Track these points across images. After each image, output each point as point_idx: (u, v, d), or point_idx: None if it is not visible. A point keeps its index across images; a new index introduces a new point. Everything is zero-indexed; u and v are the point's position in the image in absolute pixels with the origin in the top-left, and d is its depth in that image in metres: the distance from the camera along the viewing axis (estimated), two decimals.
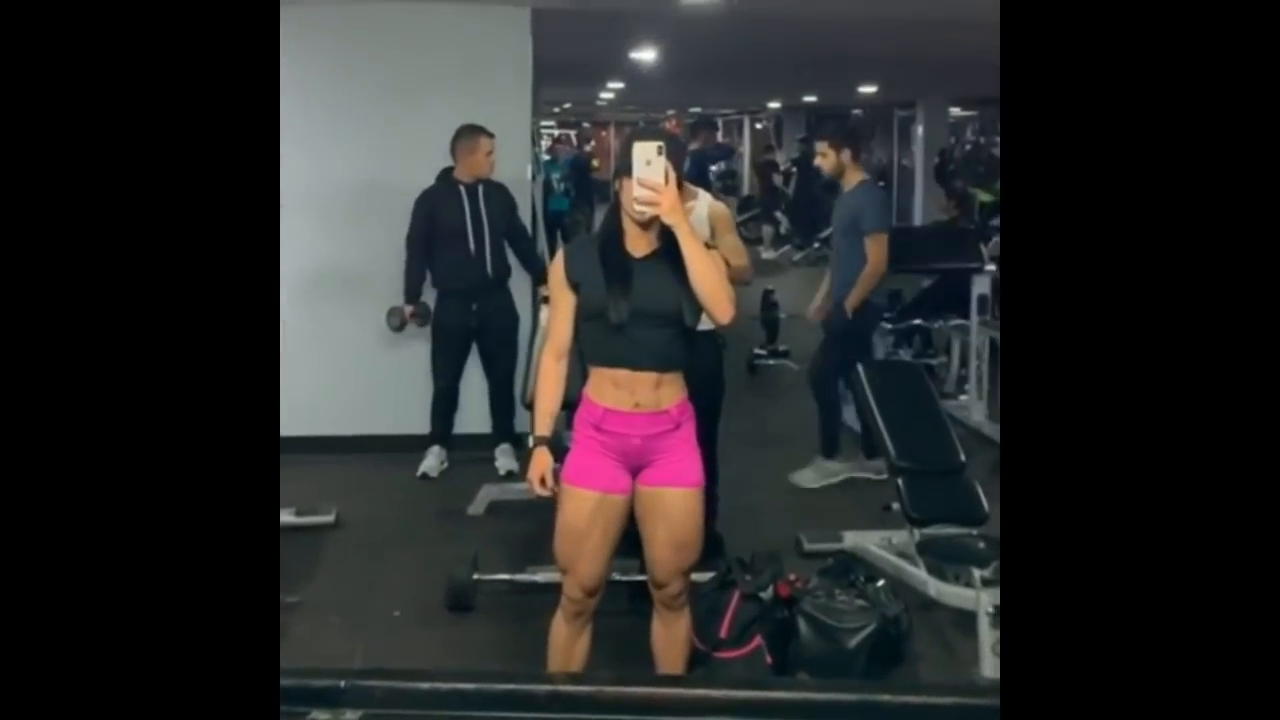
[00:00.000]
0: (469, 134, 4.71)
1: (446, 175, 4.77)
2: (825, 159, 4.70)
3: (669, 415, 2.39)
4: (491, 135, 4.73)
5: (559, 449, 2.47)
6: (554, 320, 2.48)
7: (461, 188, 4.73)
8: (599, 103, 15.72)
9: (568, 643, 2.53)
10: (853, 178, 4.71)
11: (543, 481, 2.43)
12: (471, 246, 4.70)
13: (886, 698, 1.36)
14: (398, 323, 4.73)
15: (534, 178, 6.04)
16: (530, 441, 2.53)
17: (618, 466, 2.41)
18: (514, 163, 5.18)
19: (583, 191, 11.92)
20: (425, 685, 1.31)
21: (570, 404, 2.54)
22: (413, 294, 4.73)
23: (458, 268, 4.72)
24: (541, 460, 2.43)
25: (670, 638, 2.58)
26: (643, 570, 2.77)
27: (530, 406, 3.39)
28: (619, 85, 11.92)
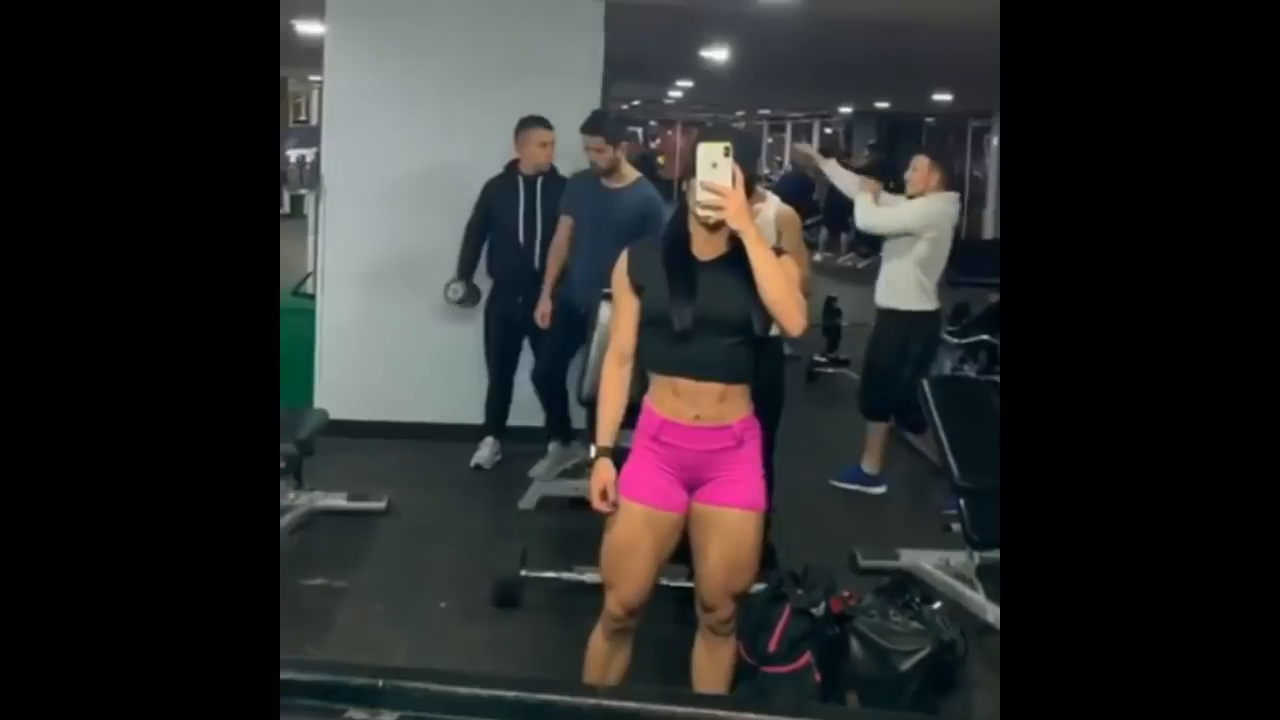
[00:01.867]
0: (526, 125, 4.70)
1: (511, 166, 4.78)
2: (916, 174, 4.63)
3: (731, 431, 2.28)
4: (549, 126, 4.70)
5: (618, 451, 2.38)
6: (617, 324, 2.40)
7: (520, 179, 4.73)
8: (667, 101, 15.68)
9: (606, 658, 2.45)
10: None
11: (604, 495, 2.33)
12: (521, 238, 4.70)
13: None
14: (452, 295, 4.79)
15: None
16: (591, 451, 2.43)
17: (673, 481, 2.31)
18: (583, 158, 5.14)
19: None
20: (464, 690, 1.26)
21: (630, 408, 2.47)
22: (463, 272, 4.81)
23: (506, 258, 4.75)
24: (604, 473, 2.33)
25: (714, 664, 2.47)
26: (692, 577, 2.71)
27: (586, 404, 3.34)
28: (688, 84, 11.87)
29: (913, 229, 4.56)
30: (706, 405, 2.27)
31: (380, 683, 1.26)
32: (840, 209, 14.71)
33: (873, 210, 4.74)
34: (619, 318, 2.39)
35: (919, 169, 4.63)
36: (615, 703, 1.40)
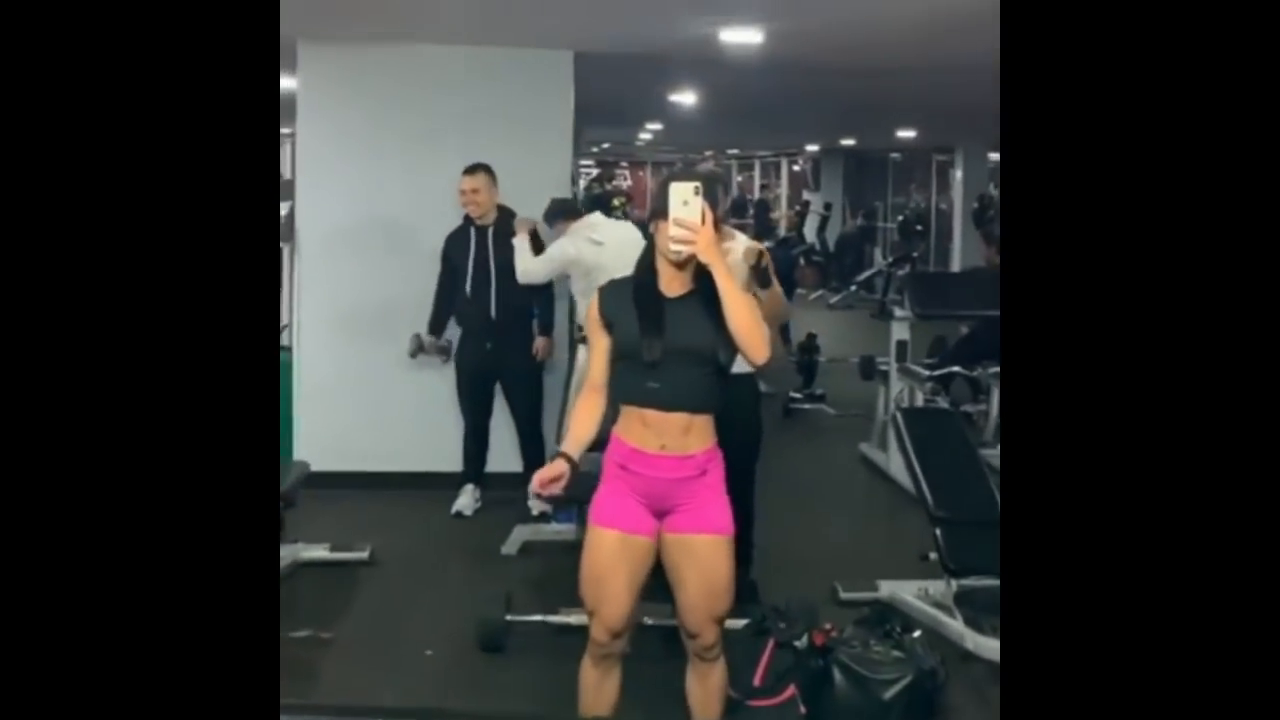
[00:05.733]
0: (466, 169, 4.74)
1: (467, 216, 4.82)
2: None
3: (695, 460, 2.37)
4: (472, 171, 4.71)
5: (587, 483, 2.42)
6: (591, 359, 2.49)
7: (472, 229, 4.77)
8: (638, 143, 15.85)
9: (597, 685, 2.51)
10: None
11: (548, 481, 2.36)
12: (469, 290, 4.72)
13: None
14: (413, 348, 4.83)
15: None
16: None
17: (642, 507, 2.39)
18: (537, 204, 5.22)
19: None
20: None
21: (603, 443, 2.53)
22: (434, 328, 4.84)
23: (463, 310, 4.79)
24: (556, 468, 2.37)
25: (706, 690, 2.54)
26: (675, 616, 2.75)
27: None
28: (658, 126, 12.01)
29: (554, 272, 4.46)
30: (672, 436, 2.35)
31: None
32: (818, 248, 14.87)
33: (526, 260, 4.52)
34: (593, 353, 2.48)
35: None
36: None
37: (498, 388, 4.89)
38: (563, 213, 4.68)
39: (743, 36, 4.82)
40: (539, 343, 4.83)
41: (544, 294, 4.85)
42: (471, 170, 4.73)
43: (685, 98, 7.92)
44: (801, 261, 13.12)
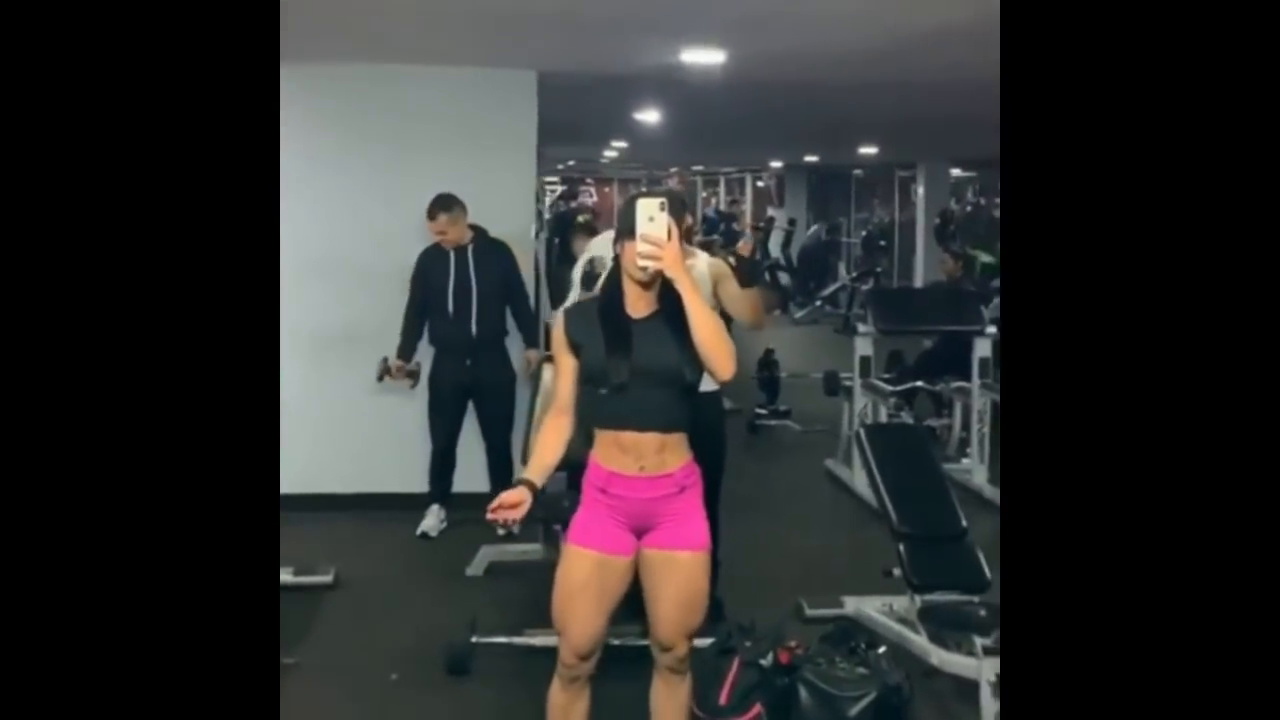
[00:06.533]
0: (430, 209, 4.72)
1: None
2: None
3: (673, 478, 2.39)
4: (432, 216, 4.70)
5: (560, 509, 2.40)
6: (558, 381, 2.49)
7: (451, 250, 4.77)
8: (603, 160, 15.90)
9: (565, 708, 2.51)
10: None
11: (502, 507, 2.33)
12: (450, 309, 4.73)
13: None
14: (379, 373, 4.76)
15: (537, 235, 6.10)
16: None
17: (621, 528, 2.40)
18: (518, 221, 5.23)
19: (566, 249, 11.91)
20: None
21: (570, 465, 2.53)
22: (404, 352, 4.78)
23: (442, 329, 4.78)
24: (515, 495, 2.35)
25: (673, 704, 2.56)
26: (643, 635, 2.75)
27: None
28: (623, 144, 12.06)
29: None
30: (648, 456, 2.37)
31: None
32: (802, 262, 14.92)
33: None
34: (559, 376, 2.48)
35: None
36: None
37: (469, 408, 4.87)
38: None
39: (705, 58, 4.86)
40: (528, 354, 4.85)
41: (527, 312, 4.91)
42: (432, 214, 4.72)
43: (649, 116, 7.96)
44: (767, 277, 13.19)
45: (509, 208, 4.94)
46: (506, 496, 2.37)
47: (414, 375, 4.81)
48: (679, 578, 2.41)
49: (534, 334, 4.99)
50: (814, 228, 15.72)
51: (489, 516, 2.40)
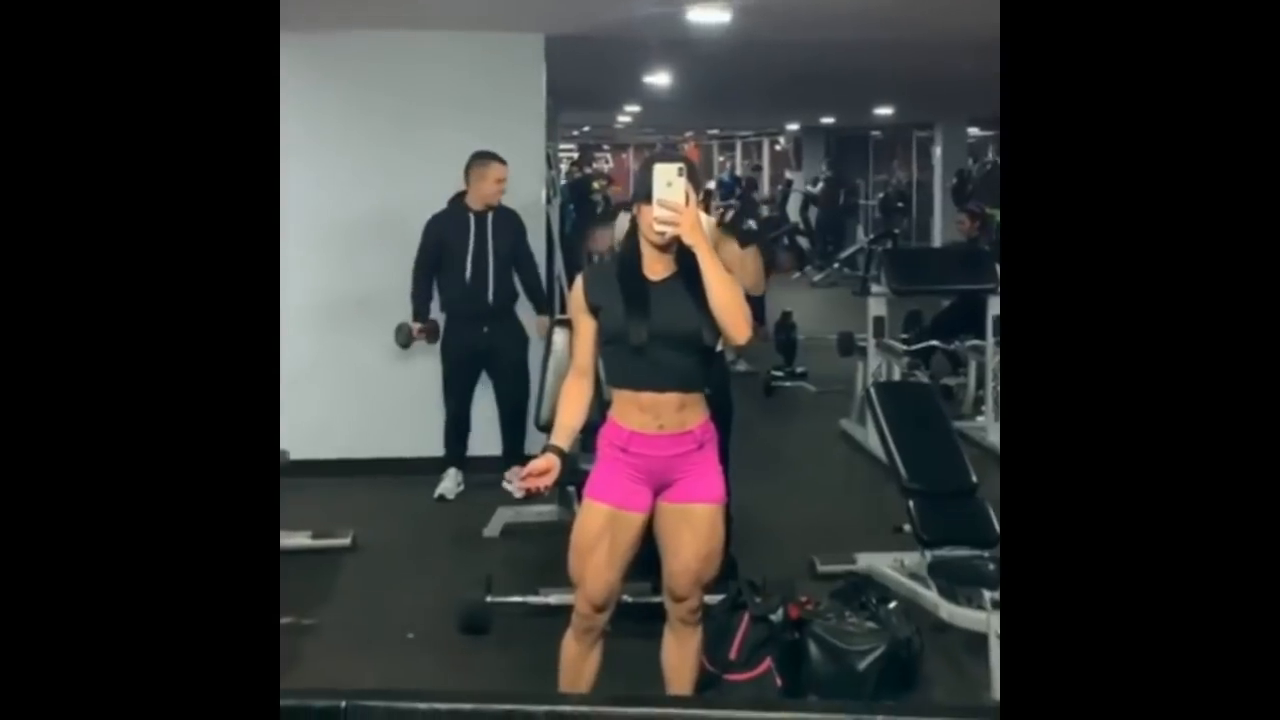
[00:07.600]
0: (481, 160, 4.76)
1: (458, 200, 4.83)
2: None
3: (693, 435, 2.42)
4: (503, 162, 4.77)
5: (575, 470, 2.41)
6: (577, 344, 2.51)
7: (470, 215, 4.78)
8: (617, 125, 15.82)
9: (577, 660, 2.55)
10: None
11: (537, 474, 2.36)
12: (469, 274, 4.75)
13: (882, 718, 1.36)
14: (404, 339, 4.80)
15: (550, 201, 6.09)
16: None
17: (639, 484, 2.43)
18: (529, 187, 5.23)
19: (583, 214, 11.92)
20: (424, 706, 1.32)
21: (588, 427, 2.55)
22: (419, 314, 4.82)
23: (459, 293, 4.80)
24: (546, 461, 2.38)
25: (683, 654, 2.59)
26: (655, 592, 2.78)
27: (544, 428, 3.41)
28: (636, 109, 12.00)
29: None
30: (668, 415, 2.40)
31: (343, 703, 1.32)
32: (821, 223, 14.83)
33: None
34: (579, 338, 2.50)
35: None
36: (571, 708, 1.46)
37: (483, 373, 4.91)
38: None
39: (709, 16, 4.82)
40: (539, 319, 4.86)
41: (536, 279, 4.95)
42: (502, 160, 4.75)
43: (660, 79, 7.91)
44: (785, 241, 13.14)
45: (519, 174, 4.93)
46: (536, 464, 2.39)
47: (434, 332, 4.85)
48: (696, 529, 2.44)
49: (543, 300, 5.00)
50: (820, 183, 15.49)
51: (518, 484, 2.42)
